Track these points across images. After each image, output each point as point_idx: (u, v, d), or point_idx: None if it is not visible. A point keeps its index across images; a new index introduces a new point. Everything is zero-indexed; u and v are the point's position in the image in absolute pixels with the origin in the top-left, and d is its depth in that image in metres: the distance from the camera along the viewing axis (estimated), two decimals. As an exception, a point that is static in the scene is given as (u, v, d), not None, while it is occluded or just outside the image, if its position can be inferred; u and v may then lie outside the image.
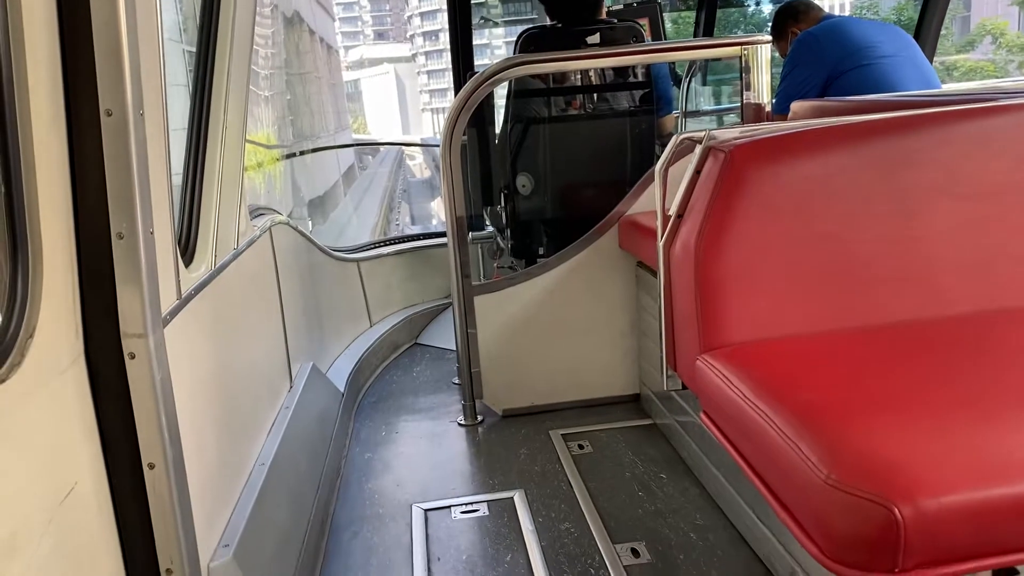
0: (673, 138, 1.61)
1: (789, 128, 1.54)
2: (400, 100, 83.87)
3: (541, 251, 3.26)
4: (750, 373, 1.33)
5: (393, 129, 77.28)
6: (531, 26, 3.10)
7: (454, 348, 3.41)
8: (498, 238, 3.78)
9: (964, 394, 1.22)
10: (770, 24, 3.65)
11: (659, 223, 1.60)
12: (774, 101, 3.04)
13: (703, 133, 1.55)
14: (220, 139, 1.88)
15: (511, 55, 2.92)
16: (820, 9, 3.58)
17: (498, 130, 3.32)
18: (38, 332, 1.13)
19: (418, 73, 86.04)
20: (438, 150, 2.71)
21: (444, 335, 3.77)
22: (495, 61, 2.71)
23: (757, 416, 1.22)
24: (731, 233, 1.46)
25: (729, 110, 4.53)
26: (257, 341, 2.14)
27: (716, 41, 2.86)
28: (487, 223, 3.86)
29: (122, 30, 1.21)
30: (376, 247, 4.12)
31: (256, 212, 2.51)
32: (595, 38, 2.93)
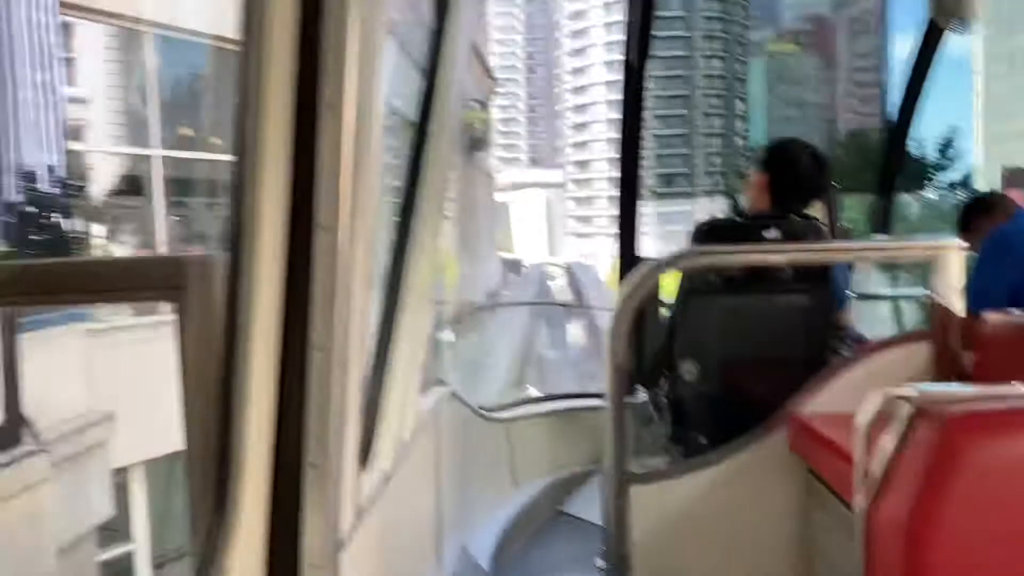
0: (878, 394, 1.50)
1: (1019, 399, 1.41)
2: (548, 223, 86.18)
3: (702, 440, 3.14)
4: None
5: (539, 251, 79.18)
6: (708, 218, 3.10)
7: (598, 523, 3.30)
8: (651, 408, 3.69)
9: None
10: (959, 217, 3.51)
11: (857, 481, 1.48)
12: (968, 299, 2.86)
13: (912, 392, 1.44)
14: (407, 339, 1.92)
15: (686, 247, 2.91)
16: (1014, 204, 3.41)
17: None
18: (227, 571, 1.15)
19: (566, 199, 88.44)
20: (593, 300, 2.70)
21: (588, 506, 3.65)
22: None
23: None
24: (948, 517, 1.32)
25: (906, 297, 4.35)
26: (416, 534, 2.12)
27: (902, 244, 2.75)
28: (638, 389, 3.78)
29: (337, 273, 1.26)
30: (525, 405, 4.11)
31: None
32: (773, 233, 2.88)
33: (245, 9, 1.16)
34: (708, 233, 3.00)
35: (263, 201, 1.22)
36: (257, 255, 1.22)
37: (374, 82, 1.29)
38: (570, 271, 55.99)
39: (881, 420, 1.49)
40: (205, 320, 1.35)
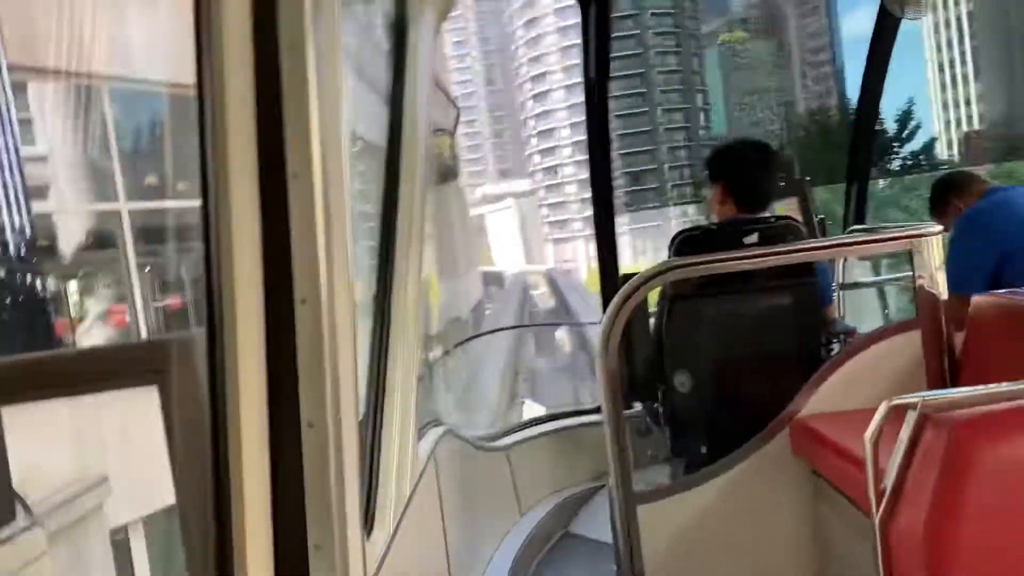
0: (882, 405, 1.48)
1: (1019, 397, 1.40)
2: (523, 232, 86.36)
3: (703, 450, 3.11)
4: None
5: (517, 260, 79.26)
6: (686, 228, 3.08)
7: (608, 541, 3.27)
8: (648, 419, 3.66)
9: None
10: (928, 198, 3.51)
11: (872, 496, 1.46)
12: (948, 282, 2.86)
13: (916, 399, 1.42)
14: (397, 390, 1.89)
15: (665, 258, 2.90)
16: (983, 181, 3.43)
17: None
18: None
19: (539, 206, 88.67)
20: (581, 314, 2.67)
21: (596, 525, 3.62)
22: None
23: None
24: (964, 522, 1.31)
25: (889, 281, 4.36)
26: None
27: (881, 236, 2.75)
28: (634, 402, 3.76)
29: (324, 345, 1.23)
30: (522, 429, 4.07)
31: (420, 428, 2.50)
32: (753, 238, 2.87)
33: (199, 88, 1.13)
34: (686, 243, 2.98)
35: (238, 278, 1.18)
36: (237, 332, 1.19)
37: (340, 148, 1.26)
38: (550, 278, 56.15)
39: (889, 426, 1.47)
40: (189, 401, 1.31)
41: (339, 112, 1.28)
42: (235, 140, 1.13)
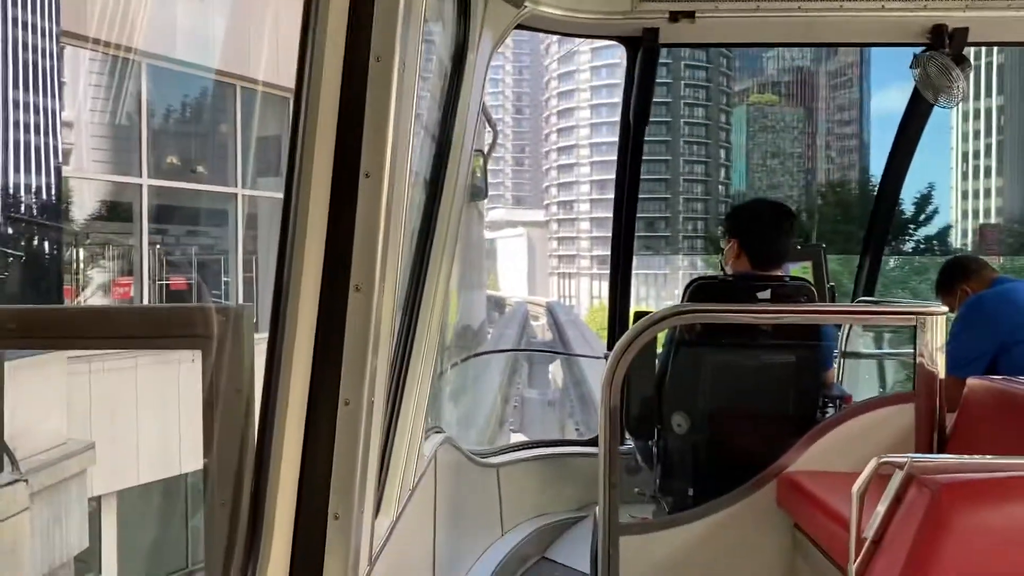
0: (872, 460, 1.57)
1: (1006, 468, 1.49)
2: (530, 262, 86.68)
3: (691, 492, 3.19)
4: None
5: (520, 289, 79.40)
6: (702, 276, 3.18)
7: (583, 570, 3.33)
8: (638, 456, 3.74)
9: None
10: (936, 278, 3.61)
11: (852, 546, 1.55)
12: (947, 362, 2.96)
13: (905, 459, 1.52)
14: (416, 387, 1.98)
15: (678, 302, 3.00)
16: (992, 269, 3.52)
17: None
18: None
19: (549, 239, 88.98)
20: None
21: (574, 553, 3.68)
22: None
23: None
24: (938, 578, 1.39)
25: (889, 355, 4.46)
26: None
27: (889, 309, 2.86)
28: (627, 438, 3.84)
29: (370, 332, 1.33)
30: (515, 450, 4.15)
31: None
32: (766, 293, 2.97)
33: (296, 92, 1.24)
34: (700, 290, 3.08)
35: (307, 261, 1.29)
36: (298, 310, 1.29)
37: (407, 154, 1.37)
38: (551, 310, 56.28)
39: (874, 485, 1.56)
40: (232, 369, 1.40)
41: (410, 121, 1.39)
42: (321, 137, 1.24)
